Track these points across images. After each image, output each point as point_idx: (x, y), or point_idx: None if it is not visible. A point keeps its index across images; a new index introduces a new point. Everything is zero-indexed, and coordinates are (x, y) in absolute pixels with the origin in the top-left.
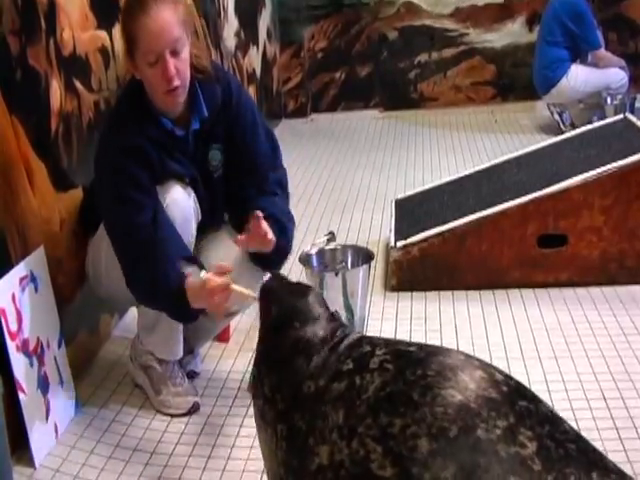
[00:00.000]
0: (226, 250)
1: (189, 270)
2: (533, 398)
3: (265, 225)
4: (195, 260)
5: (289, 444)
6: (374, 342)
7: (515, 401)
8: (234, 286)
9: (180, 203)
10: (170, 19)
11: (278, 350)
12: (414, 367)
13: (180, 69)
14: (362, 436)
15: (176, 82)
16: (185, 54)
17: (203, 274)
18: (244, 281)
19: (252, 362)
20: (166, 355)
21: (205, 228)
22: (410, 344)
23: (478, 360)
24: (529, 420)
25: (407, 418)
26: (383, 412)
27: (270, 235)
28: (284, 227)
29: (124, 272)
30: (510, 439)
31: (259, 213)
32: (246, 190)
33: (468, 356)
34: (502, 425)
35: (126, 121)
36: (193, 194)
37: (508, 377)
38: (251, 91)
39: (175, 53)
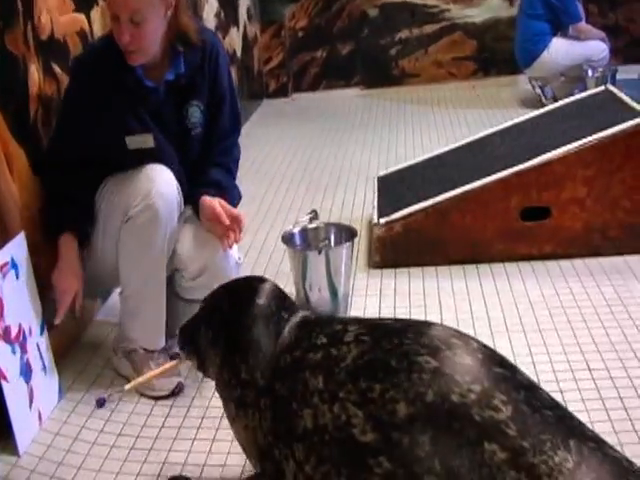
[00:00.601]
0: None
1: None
2: (509, 366)
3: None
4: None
5: (274, 412)
6: (344, 320)
7: (490, 367)
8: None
9: (165, 196)
10: None
11: (243, 335)
12: (390, 337)
13: (137, 37)
14: (343, 401)
15: (129, 47)
16: (148, 26)
17: None
18: (219, 270)
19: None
20: (149, 344)
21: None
22: (383, 318)
23: (454, 330)
24: (504, 385)
25: (386, 383)
26: (362, 378)
27: (218, 209)
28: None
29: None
30: (484, 403)
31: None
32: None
33: (444, 327)
34: (476, 389)
35: (99, 53)
36: (177, 184)
37: (484, 346)
38: (232, 72)
39: (134, 22)
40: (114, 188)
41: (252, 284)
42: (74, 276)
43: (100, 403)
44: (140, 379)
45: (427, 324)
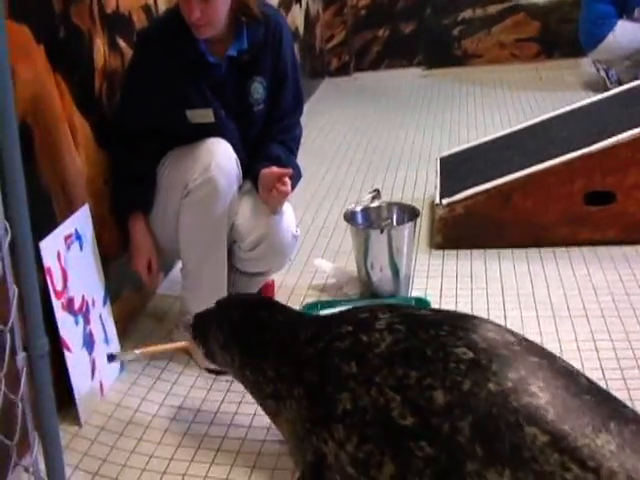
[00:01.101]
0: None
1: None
2: (546, 355)
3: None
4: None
5: (309, 398)
6: (369, 308)
7: (526, 357)
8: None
9: (225, 169)
10: None
11: (260, 336)
12: (426, 327)
13: (207, 12)
14: (380, 385)
15: (198, 22)
16: (216, 2)
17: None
18: (276, 242)
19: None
20: None
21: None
22: (414, 307)
23: (491, 323)
24: (541, 372)
25: (422, 371)
26: (397, 365)
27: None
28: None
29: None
30: (521, 390)
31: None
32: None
33: (481, 319)
34: (513, 377)
35: (164, 27)
36: (236, 157)
37: (522, 338)
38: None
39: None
40: (174, 163)
41: (263, 300)
42: (149, 253)
43: (110, 358)
44: (151, 349)
45: (464, 317)
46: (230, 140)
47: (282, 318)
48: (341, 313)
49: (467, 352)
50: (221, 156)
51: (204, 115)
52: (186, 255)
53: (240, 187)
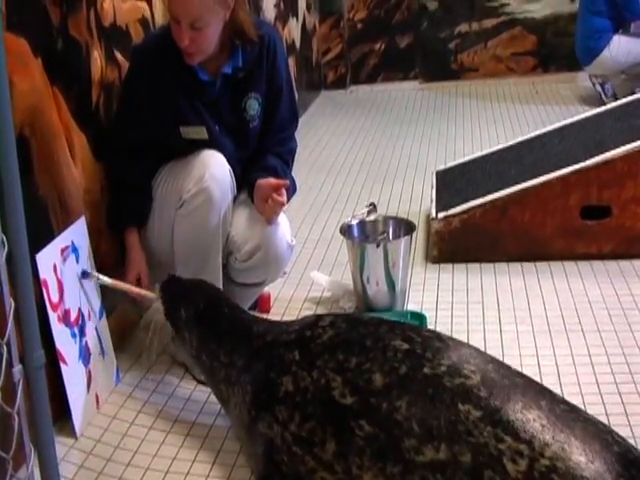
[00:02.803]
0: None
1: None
2: (475, 348)
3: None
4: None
5: (253, 385)
6: (316, 315)
7: (458, 348)
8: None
9: (218, 179)
10: (196, 1)
11: (219, 326)
12: (366, 324)
13: (197, 41)
14: (321, 368)
15: (189, 49)
16: (209, 30)
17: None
18: (272, 251)
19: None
20: None
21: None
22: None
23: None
24: (472, 360)
25: (361, 357)
26: (339, 351)
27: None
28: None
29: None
30: (455, 373)
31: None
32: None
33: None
34: (446, 363)
35: (158, 43)
36: (229, 168)
37: (451, 338)
38: (291, 62)
39: (194, 27)
40: (168, 175)
41: (225, 296)
42: (139, 267)
43: (84, 274)
44: (120, 284)
45: (400, 322)
46: (225, 156)
47: (240, 314)
48: (290, 321)
49: (403, 344)
50: (215, 167)
51: (198, 132)
52: (181, 266)
53: (235, 199)
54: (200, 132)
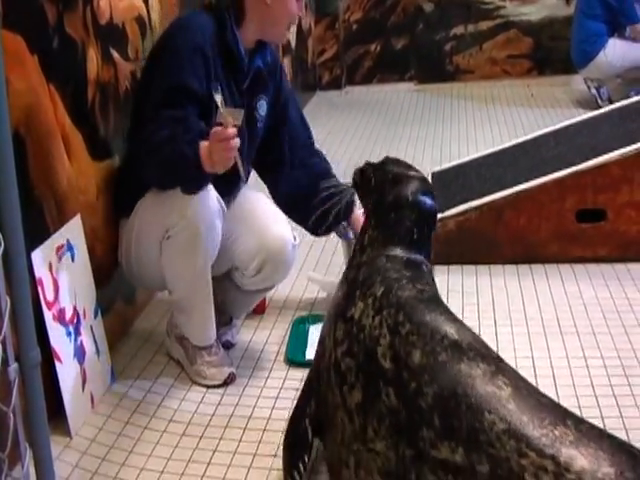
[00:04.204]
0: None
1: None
2: (512, 367)
3: None
4: None
5: (345, 290)
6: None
7: (499, 358)
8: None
9: (204, 211)
10: None
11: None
12: (438, 303)
13: None
14: (383, 318)
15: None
16: None
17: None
18: (279, 260)
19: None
20: (199, 342)
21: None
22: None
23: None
24: (507, 373)
25: (414, 327)
26: (403, 312)
27: None
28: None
29: (146, 153)
30: (489, 379)
31: None
32: (292, 155)
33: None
34: (484, 367)
35: (208, 28)
36: (215, 194)
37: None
38: (286, 63)
39: None
40: (150, 204)
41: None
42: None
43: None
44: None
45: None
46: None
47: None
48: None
49: (454, 334)
50: (199, 197)
51: (234, 115)
52: (172, 287)
53: (234, 211)
54: (237, 116)
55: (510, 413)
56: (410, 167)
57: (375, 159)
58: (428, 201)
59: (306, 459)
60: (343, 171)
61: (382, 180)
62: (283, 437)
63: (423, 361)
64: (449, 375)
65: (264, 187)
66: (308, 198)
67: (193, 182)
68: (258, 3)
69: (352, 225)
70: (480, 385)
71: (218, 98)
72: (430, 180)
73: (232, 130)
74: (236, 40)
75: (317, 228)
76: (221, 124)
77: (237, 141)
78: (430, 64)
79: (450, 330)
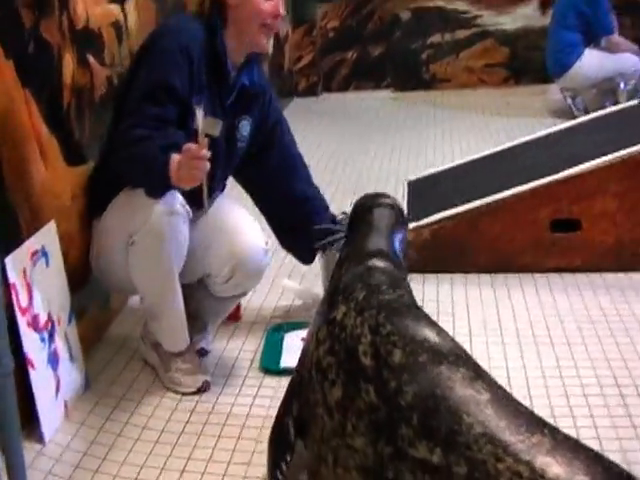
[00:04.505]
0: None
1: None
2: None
3: None
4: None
5: (329, 294)
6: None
7: (477, 365)
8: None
9: (168, 215)
10: None
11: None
12: (417, 307)
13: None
14: (364, 319)
15: (277, 23)
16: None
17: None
18: (251, 266)
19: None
20: (173, 347)
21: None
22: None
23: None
24: (487, 378)
25: (395, 328)
26: (384, 314)
27: None
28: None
29: (120, 144)
30: (468, 383)
31: None
32: (299, 186)
33: None
34: (463, 371)
35: (197, 34)
36: (180, 198)
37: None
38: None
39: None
40: (116, 208)
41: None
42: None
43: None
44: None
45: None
46: (216, 162)
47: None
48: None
49: (435, 337)
50: (162, 203)
51: (213, 126)
52: (142, 293)
53: (206, 218)
54: (215, 126)
55: (488, 418)
56: (384, 195)
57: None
58: (399, 217)
59: (288, 459)
60: (319, 178)
61: (357, 204)
62: (268, 437)
63: (403, 360)
64: (429, 376)
65: (238, 194)
66: (299, 232)
67: (156, 188)
68: (231, 8)
69: None
70: (459, 388)
71: (199, 113)
72: (406, 188)
73: (206, 152)
74: (225, 51)
75: (304, 260)
76: (197, 140)
77: (207, 165)
78: (407, 72)
79: (431, 333)
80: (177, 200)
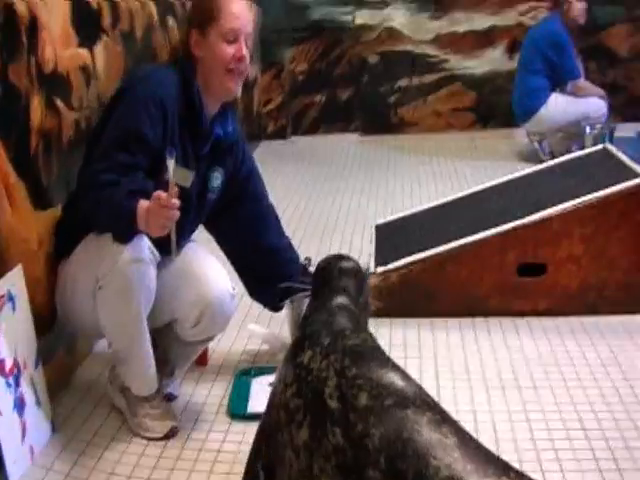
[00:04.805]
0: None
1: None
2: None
3: None
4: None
5: (296, 340)
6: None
7: (443, 410)
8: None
9: (135, 261)
10: (249, 12)
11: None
12: (381, 352)
13: (247, 59)
14: (329, 363)
15: (243, 66)
16: (249, 53)
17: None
18: (218, 311)
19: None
20: (141, 392)
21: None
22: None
23: None
24: (453, 422)
25: (360, 371)
26: (349, 358)
27: None
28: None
29: (88, 188)
30: (435, 427)
31: None
32: (270, 238)
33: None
34: (429, 415)
35: (172, 83)
36: (147, 243)
37: None
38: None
39: (246, 44)
40: (83, 252)
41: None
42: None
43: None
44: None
45: None
46: (185, 216)
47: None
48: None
49: (400, 382)
50: (129, 248)
51: (185, 177)
52: (110, 338)
53: (173, 263)
54: (187, 177)
55: (455, 461)
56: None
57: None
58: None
59: None
60: (287, 221)
61: (320, 268)
62: None
63: (370, 403)
64: (395, 419)
65: (206, 239)
66: (268, 283)
67: (123, 233)
68: (198, 59)
69: None
70: (426, 432)
71: (170, 164)
72: (374, 232)
73: (176, 201)
74: (201, 102)
75: (271, 308)
76: (167, 189)
77: (176, 214)
78: (375, 116)
79: (396, 377)
80: (145, 245)
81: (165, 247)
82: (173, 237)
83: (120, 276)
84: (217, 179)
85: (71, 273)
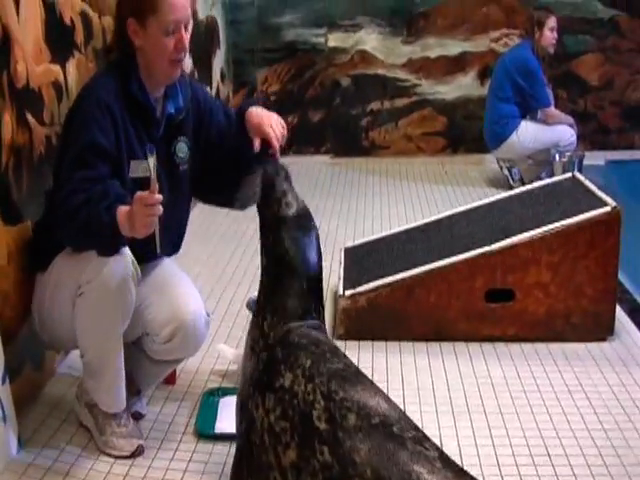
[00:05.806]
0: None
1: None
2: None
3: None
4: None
5: (266, 365)
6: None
7: (425, 435)
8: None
9: (117, 271)
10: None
11: (280, 295)
12: (364, 376)
13: (187, 45)
14: (316, 386)
15: (184, 52)
16: (189, 35)
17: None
18: (191, 332)
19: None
20: (109, 408)
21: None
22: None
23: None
24: (433, 443)
25: (348, 395)
26: (335, 381)
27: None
28: None
29: (62, 216)
30: (418, 442)
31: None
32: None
33: None
34: (413, 433)
35: (111, 84)
36: (129, 255)
37: None
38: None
39: (186, 29)
40: (65, 261)
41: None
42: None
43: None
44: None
45: None
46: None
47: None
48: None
49: (385, 404)
50: (114, 259)
51: (145, 168)
52: (84, 347)
53: (148, 277)
54: (146, 168)
55: (436, 470)
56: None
57: None
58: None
59: None
60: (254, 242)
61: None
62: None
63: (358, 423)
64: (382, 435)
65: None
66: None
67: (108, 247)
68: (138, 49)
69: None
70: (410, 444)
71: (151, 161)
72: (343, 255)
73: (158, 197)
74: (143, 90)
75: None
76: (142, 185)
77: (160, 208)
78: (346, 138)
79: (381, 401)
80: (129, 261)
81: (149, 244)
82: (157, 231)
83: (102, 287)
84: (183, 148)
85: (51, 281)
